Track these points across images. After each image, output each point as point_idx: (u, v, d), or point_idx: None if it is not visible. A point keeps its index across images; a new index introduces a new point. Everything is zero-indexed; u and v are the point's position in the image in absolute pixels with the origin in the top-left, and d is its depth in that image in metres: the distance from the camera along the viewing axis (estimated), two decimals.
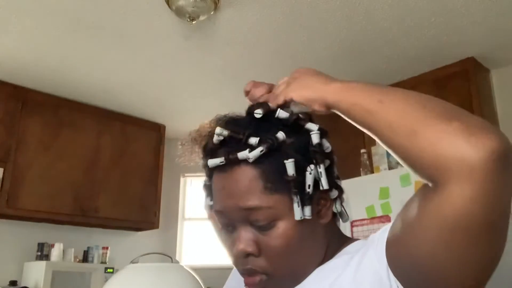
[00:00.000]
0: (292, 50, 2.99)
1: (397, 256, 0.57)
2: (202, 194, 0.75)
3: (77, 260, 3.52)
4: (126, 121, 3.93)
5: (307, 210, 0.64)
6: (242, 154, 0.64)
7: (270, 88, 0.73)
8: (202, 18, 2.48)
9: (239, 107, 0.75)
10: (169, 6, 2.44)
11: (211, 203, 0.71)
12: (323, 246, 0.69)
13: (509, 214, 0.53)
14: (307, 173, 0.64)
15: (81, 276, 3.40)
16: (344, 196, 0.73)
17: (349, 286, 0.62)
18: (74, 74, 3.29)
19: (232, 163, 0.65)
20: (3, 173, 3.15)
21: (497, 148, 0.48)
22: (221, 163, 0.65)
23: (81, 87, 3.47)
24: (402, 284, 0.57)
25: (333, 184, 0.69)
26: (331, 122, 0.72)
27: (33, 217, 3.33)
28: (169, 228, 4.29)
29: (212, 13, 2.48)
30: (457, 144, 0.49)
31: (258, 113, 0.67)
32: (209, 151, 0.69)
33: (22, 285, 3.18)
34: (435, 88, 3.14)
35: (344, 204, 0.73)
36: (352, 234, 2.77)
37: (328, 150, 0.69)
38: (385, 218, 2.68)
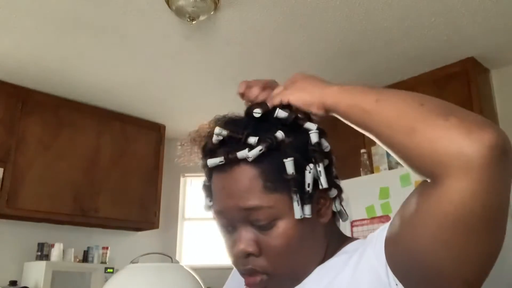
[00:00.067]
0: (292, 50, 2.99)
1: (396, 253, 0.58)
2: (202, 194, 0.75)
3: (77, 260, 3.52)
4: (126, 121, 3.93)
5: (307, 209, 0.64)
6: (241, 154, 0.64)
7: (264, 85, 0.73)
8: (202, 18, 2.48)
9: (239, 107, 0.75)
10: (169, 6, 2.44)
11: (211, 203, 0.71)
12: (323, 246, 0.69)
13: (508, 208, 0.53)
14: (307, 172, 0.65)
15: (81, 276, 3.40)
16: (344, 195, 0.73)
17: (348, 284, 0.62)
18: (74, 74, 3.29)
19: (232, 162, 0.65)
20: (3, 173, 3.15)
21: (495, 142, 0.48)
22: (220, 163, 0.66)
23: (81, 87, 3.47)
24: (401, 281, 0.57)
25: (332, 183, 0.70)
26: (331, 122, 0.72)
27: (33, 217, 3.33)
28: (169, 228, 4.29)
29: (212, 13, 2.48)
30: (455, 139, 0.50)
31: (257, 112, 0.67)
32: (209, 151, 0.69)
33: (22, 285, 3.18)
34: (435, 88, 3.14)
35: (343, 203, 0.73)
36: (352, 234, 2.77)
37: (327, 150, 0.69)
38: (385, 218, 2.68)
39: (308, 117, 0.68)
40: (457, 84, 3.08)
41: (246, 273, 0.67)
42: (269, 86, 0.74)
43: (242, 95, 0.74)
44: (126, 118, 3.94)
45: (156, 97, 3.69)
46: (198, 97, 3.67)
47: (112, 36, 2.80)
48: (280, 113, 0.67)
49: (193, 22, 2.47)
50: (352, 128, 0.64)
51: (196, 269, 1.36)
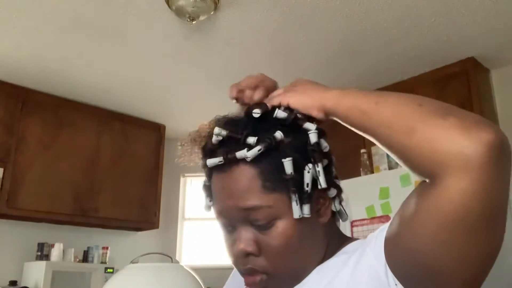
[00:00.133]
0: (292, 50, 2.99)
1: (396, 252, 0.58)
2: (202, 194, 0.75)
3: (77, 260, 3.52)
4: (126, 121, 3.93)
5: (306, 208, 0.65)
6: (240, 154, 0.64)
7: (255, 84, 0.73)
8: (202, 18, 2.48)
9: (239, 107, 0.75)
10: (169, 6, 2.44)
11: (211, 203, 0.72)
12: (322, 245, 0.70)
13: (507, 207, 0.53)
14: (305, 171, 0.65)
15: (81, 276, 3.40)
16: (343, 195, 0.74)
17: (347, 284, 0.62)
18: (74, 74, 3.29)
19: (231, 162, 0.65)
20: (3, 173, 3.15)
21: (493, 141, 0.49)
22: (220, 163, 0.66)
23: (81, 87, 3.48)
24: (400, 281, 0.57)
25: (332, 183, 0.70)
26: (331, 122, 0.72)
27: (33, 217, 3.33)
28: (169, 228, 4.29)
29: (212, 13, 2.48)
30: (454, 138, 0.50)
31: (256, 112, 0.68)
32: (208, 151, 0.69)
33: (22, 285, 3.18)
34: (435, 88, 3.14)
35: (343, 203, 0.73)
36: (352, 234, 2.77)
37: (326, 150, 0.69)
38: (385, 218, 2.68)
39: (308, 117, 0.68)
40: (457, 84, 3.08)
41: (246, 273, 0.68)
42: (260, 83, 0.74)
43: (236, 99, 0.74)
44: (126, 118, 3.94)
45: (156, 97, 3.69)
46: (198, 97, 3.67)
47: (112, 36, 2.81)
48: (280, 113, 0.67)
49: (193, 22, 2.47)
50: None
51: (196, 269, 1.36)
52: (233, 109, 0.74)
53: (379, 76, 3.31)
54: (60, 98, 3.59)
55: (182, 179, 4.55)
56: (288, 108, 0.68)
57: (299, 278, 0.68)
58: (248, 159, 0.64)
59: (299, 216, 0.64)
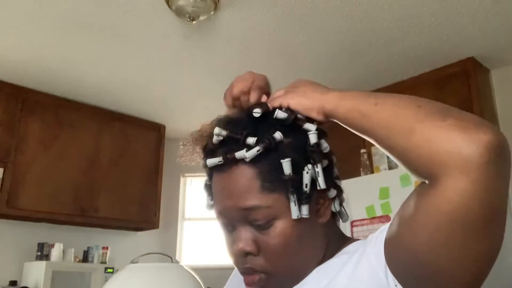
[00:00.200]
0: (292, 50, 2.99)
1: (395, 253, 0.58)
2: (203, 194, 0.76)
3: (77, 260, 3.52)
4: (126, 121, 3.93)
5: (304, 209, 0.65)
6: (239, 154, 0.64)
7: (249, 88, 0.73)
8: (202, 18, 2.48)
9: None
10: (169, 6, 2.44)
11: (212, 202, 0.72)
12: (322, 246, 0.70)
13: (506, 207, 0.53)
14: (304, 172, 0.65)
15: (81, 276, 3.40)
16: (344, 196, 0.74)
17: (347, 285, 0.62)
18: (74, 74, 3.29)
19: (230, 162, 0.66)
20: (3, 173, 3.15)
21: (492, 142, 0.49)
22: (219, 163, 0.66)
23: (81, 87, 3.48)
24: (400, 282, 0.57)
25: (332, 184, 0.70)
26: (331, 122, 0.72)
27: (33, 217, 3.33)
28: (169, 228, 4.29)
29: (212, 13, 2.48)
30: (453, 139, 0.50)
31: (257, 112, 0.68)
32: (209, 151, 0.70)
33: (22, 285, 3.18)
34: (435, 88, 3.14)
35: (344, 204, 0.73)
36: (352, 234, 2.77)
37: (326, 150, 0.69)
38: (385, 218, 2.68)
39: (308, 118, 0.68)
40: (457, 84, 3.08)
41: (245, 272, 0.68)
42: (252, 85, 0.73)
43: (233, 106, 0.74)
44: (126, 118, 3.94)
45: (156, 97, 3.69)
46: (198, 97, 3.67)
47: (112, 36, 2.81)
48: (280, 114, 0.67)
49: (193, 22, 2.47)
50: None
51: (196, 269, 1.36)
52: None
53: (379, 76, 3.31)
54: (60, 98, 3.59)
55: (182, 179, 4.55)
56: (289, 109, 0.68)
57: (298, 278, 0.68)
58: (247, 160, 0.64)
59: (297, 216, 0.64)
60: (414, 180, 2.50)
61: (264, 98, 0.74)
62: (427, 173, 0.53)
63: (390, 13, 2.59)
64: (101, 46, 2.93)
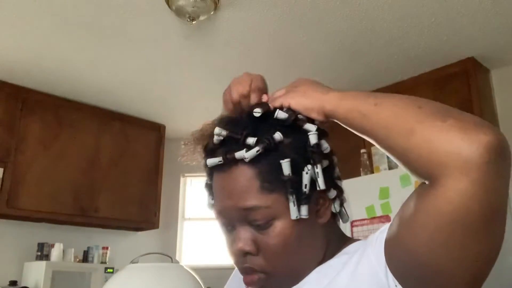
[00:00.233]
0: (292, 50, 2.99)
1: (396, 254, 0.58)
2: (203, 193, 0.76)
3: (77, 260, 3.52)
4: (126, 121, 3.93)
5: (304, 209, 0.65)
6: (239, 154, 0.65)
7: (248, 89, 0.72)
8: (202, 18, 2.48)
9: None
10: (169, 6, 2.44)
11: (213, 201, 0.72)
12: (322, 246, 0.70)
13: (506, 208, 0.53)
14: (304, 173, 0.65)
15: (81, 276, 3.40)
16: (345, 197, 0.74)
17: (347, 285, 0.62)
18: (74, 74, 3.29)
19: (230, 162, 0.66)
20: (3, 173, 3.15)
21: (492, 142, 0.49)
22: (219, 163, 0.67)
23: (81, 87, 3.48)
24: (400, 283, 0.57)
25: (332, 184, 0.70)
26: (331, 122, 0.72)
27: (33, 217, 3.33)
28: (169, 228, 4.29)
29: (212, 13, 2.48)
30: (453, 140, 0.50)
31: (257, 112, 0.68)
32: (209, 150, 0.70)
33: (22, 285, 3.18)
34: (435, 88, 3.14)
35: (345, 204, 0.73)
36: (352, 234, 2.77)
37: (327, 151, 0.69)
38: (385, 218, 2.68)
39: (309, 118, 0.68)
40: (457, 84, 3.08)
41: (244, 272, 0.68)
42: (250, 87, 0.73)
43: (234, 111, 0.74)
44: (126, 118, 3.94)
45: (156, 97, 3.69)
46: (198, 97, 3.67)
47: (112, 36, 2.81)
48: (280, 114, 0.67)
49: (193, 22, 2.47)
50: None
51: (196, 269, 1.36)
52: None
53: (379, 76, 3.31)
54: (60, 98, 3.59)
55: (182, 179, 4.55)
56: (289, 109, 0.68)
57: (298, 278, 0.68)
58: (247, 160, 0.64)
59: (296, 217, 0.64)
60: (414, 180, 2.50)
61: (265, 98, 0.73)
62: (427, 174, 0.53)
63: (390, 13, 2.59)
64: (101, 46, 2.93)
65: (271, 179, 0.65)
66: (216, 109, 0.78)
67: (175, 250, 4.29)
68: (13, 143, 3.25)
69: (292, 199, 0.64)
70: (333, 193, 0.70)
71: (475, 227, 0.51)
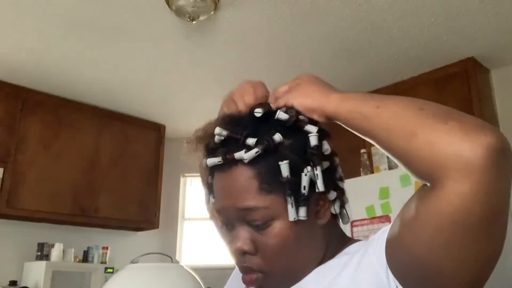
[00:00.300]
0: (292, 50, 2.99)
1: (397, 255, 0.58)
2: (204, 191, 0.76)
3: (77, 260, 3.52)
4: (126, 121, 3.93)
5: (302, 211, 0.65)
6: (238, 155, 0.65)
7: (253, 100, 0.72)
8: (202, 18, 2.48)
9: None
10: (169, 6, 2.44)
11: (213, 200, 0.72)
12: (321, 247, 0.70)
13: (507, 210, 0.53)
14: (303, 174, 0.65)
15: (81, 276, 3.40)
16: (346, 198, 0.74)
17: (348, 285, 0.62)
18: (74, 74, 3.29)
19: (230, 163, 0.66)
20: (3, 173, 3.15)
21: (493, 144, 0.49)
22: (219, 163, 0.67)
23: (81, 87, 3.48)
24: (401, 284, 0.57)
25: (332, 186, 0.70)
26: (331, 122, 0.71)
27: (33, 217, 3.33)
28: (169, 228, 4.29)
29: (212, 13, 2.48)
30: (454, 142, 0.50)
31: (258, 112, 0.67)
32: (210, 150, 0.70)
33: (22, 285, 3.18)
34: (435, 88, 3.14)
35: (346, 206, 0.73)
36: (352, 234, 2.77)
37: (327, 152, 0.69)
38: (385, 218, 2.68)
39: (310, 118, 0.68)
40: (457, 84, 3.08)
41: (243, 271, 0.69)
42: (257, 96, 0.72)
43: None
44: (126, 118, 3.94)
45: (156, 97, 3.69)
46: (198, 97, 3.67)
47: (112, 36, 2.81)
48: (281, 115, 0.67)
49: (193, 22, 2.47)
50: None
51: (196, 269, 1.36)
52: None
53: (379, 76, 3.31)
54: (60, 98, 3.59)
55: (182, 179, 4.55)
56: (292, 108, 0.68)
57: (296, 278, 0.68)
58: (245, 161, 0.64)
59: (294, 219, 0.64)
60: (414, 180, 2.49)
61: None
62: (428, 176, 0.53)
63: (390, 13, 2.59)
64: (101, 46, 2.93)
65: (270, 180, 0.65)
66: (216, 109, 0.78)
67: (175, 250, 4.29)
68: (13, 143, 3.25)
69: (290, 200, 0.64)
70: (333, 195, 0.70)
71: (476, 229, 0.51)
